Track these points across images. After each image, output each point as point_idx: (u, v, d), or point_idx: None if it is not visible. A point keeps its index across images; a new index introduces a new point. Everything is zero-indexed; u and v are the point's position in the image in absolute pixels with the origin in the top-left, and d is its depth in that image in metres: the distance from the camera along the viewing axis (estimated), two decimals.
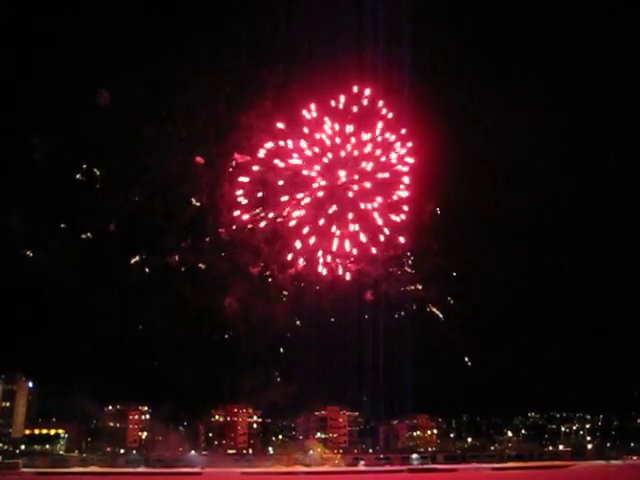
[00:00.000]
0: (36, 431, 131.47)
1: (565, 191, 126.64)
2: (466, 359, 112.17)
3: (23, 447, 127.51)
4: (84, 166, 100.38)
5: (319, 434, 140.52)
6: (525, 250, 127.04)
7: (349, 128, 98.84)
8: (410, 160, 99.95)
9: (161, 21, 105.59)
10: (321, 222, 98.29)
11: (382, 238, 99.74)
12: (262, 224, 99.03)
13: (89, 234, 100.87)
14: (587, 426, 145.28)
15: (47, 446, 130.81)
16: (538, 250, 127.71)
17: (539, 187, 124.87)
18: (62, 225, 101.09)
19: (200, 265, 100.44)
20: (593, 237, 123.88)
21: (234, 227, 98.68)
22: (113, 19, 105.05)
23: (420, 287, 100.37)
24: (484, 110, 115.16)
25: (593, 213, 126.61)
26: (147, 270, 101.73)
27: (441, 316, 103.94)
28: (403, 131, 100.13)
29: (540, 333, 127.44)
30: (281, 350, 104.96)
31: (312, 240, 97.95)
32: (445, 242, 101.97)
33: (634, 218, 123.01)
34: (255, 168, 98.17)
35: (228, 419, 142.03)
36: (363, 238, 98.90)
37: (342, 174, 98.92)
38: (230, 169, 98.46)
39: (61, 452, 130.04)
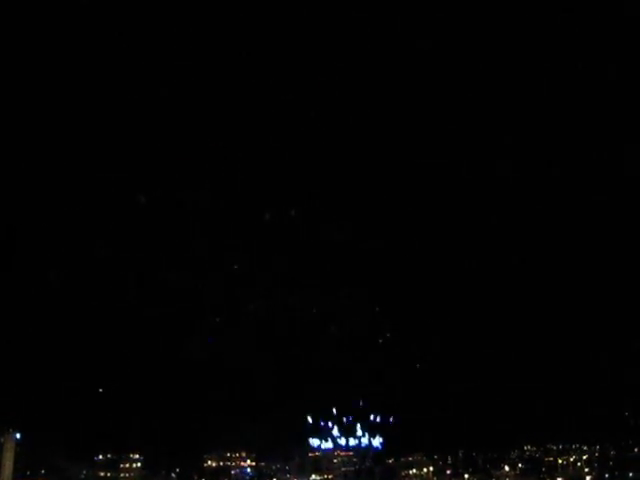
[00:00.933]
0: None
1: None
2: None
3: None
4: None
5: (314, 476, 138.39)
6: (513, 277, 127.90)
7: None
8: None
9: None
10: None
11: None
12: None
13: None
14: (584, 457, 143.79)
15: None
16: (526, 275, 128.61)
17: None
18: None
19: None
20: (576, 267, 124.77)
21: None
22: None
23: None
24: None
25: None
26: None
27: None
28: None
29: (532, 365, 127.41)
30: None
31: None
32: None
33: None
34: None
35: (221, 464, 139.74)
36: None
37: None
38: None
39: None
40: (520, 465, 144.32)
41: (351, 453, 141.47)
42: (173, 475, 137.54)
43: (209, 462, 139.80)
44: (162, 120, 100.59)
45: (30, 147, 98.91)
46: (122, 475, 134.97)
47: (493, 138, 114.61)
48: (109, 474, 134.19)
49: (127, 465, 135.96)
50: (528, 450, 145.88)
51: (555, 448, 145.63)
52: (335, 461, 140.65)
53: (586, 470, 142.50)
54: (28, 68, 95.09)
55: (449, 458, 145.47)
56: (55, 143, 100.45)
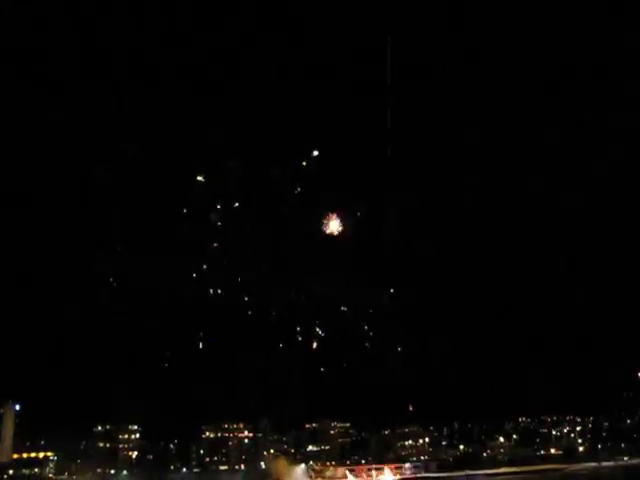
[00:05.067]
0: (24, 455, 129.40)
1: None
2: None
3: (11, 472, 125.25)
4: None
5: (310, 447, 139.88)
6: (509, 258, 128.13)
7: None
8: None
9: None
10: None
11: None
12: None
13: None
14: (578, 429, 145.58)
15: (36, 470, 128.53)
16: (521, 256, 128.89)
17: None
18: None
19: None
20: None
21: None
22: None
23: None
24: None
25: None
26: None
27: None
28: None
29: (526, 337, 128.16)
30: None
31: None
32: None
33: None
34: None
35: (219, 435, 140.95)
36: None
37: None
38: None
39: (50, 475, 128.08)
40: (515, 436, 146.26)
41: (348, 424, 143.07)
42: (172, 446, 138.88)
43: (207, 433, 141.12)
44: None
45: None
46: (121, 446, 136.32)
47: None
48: (108, 445, 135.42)
49: (126, 436, 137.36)
50: (522, 421, 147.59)
51: (549, 420, 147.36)
52: (331, 432, 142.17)
53: (579, 441, 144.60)
54: None
55: (444, 429, 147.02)
56: None
